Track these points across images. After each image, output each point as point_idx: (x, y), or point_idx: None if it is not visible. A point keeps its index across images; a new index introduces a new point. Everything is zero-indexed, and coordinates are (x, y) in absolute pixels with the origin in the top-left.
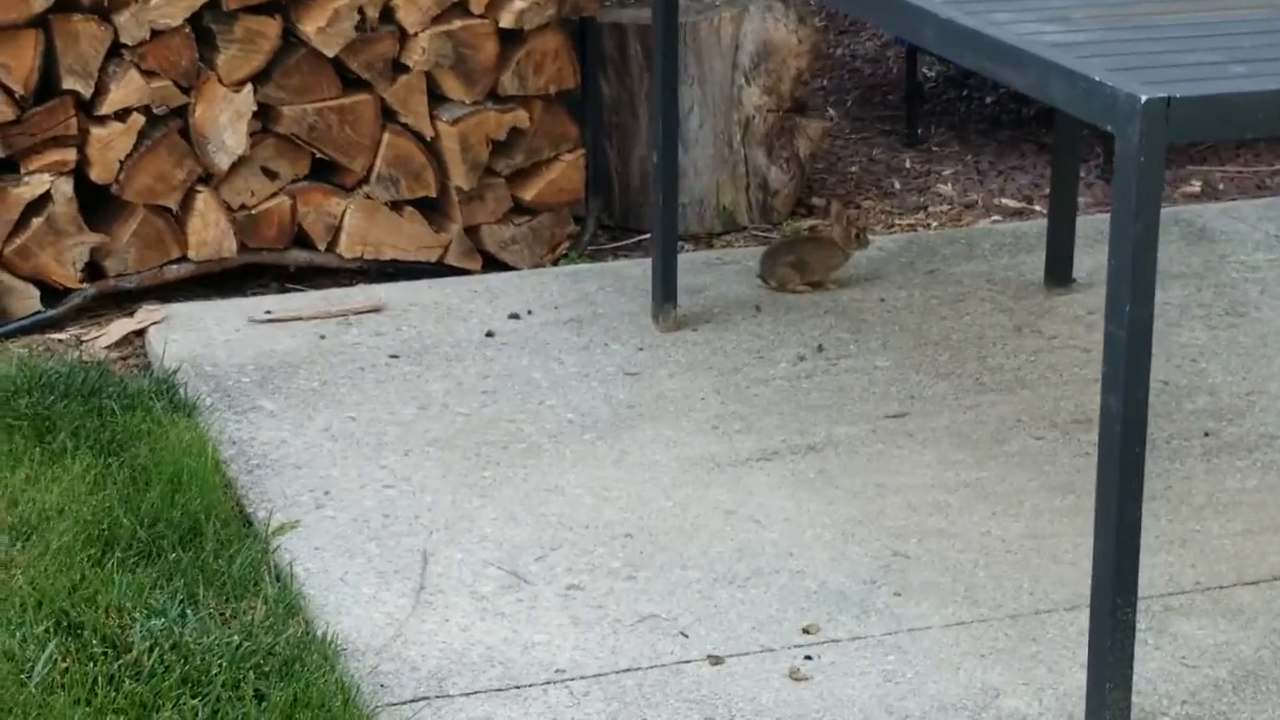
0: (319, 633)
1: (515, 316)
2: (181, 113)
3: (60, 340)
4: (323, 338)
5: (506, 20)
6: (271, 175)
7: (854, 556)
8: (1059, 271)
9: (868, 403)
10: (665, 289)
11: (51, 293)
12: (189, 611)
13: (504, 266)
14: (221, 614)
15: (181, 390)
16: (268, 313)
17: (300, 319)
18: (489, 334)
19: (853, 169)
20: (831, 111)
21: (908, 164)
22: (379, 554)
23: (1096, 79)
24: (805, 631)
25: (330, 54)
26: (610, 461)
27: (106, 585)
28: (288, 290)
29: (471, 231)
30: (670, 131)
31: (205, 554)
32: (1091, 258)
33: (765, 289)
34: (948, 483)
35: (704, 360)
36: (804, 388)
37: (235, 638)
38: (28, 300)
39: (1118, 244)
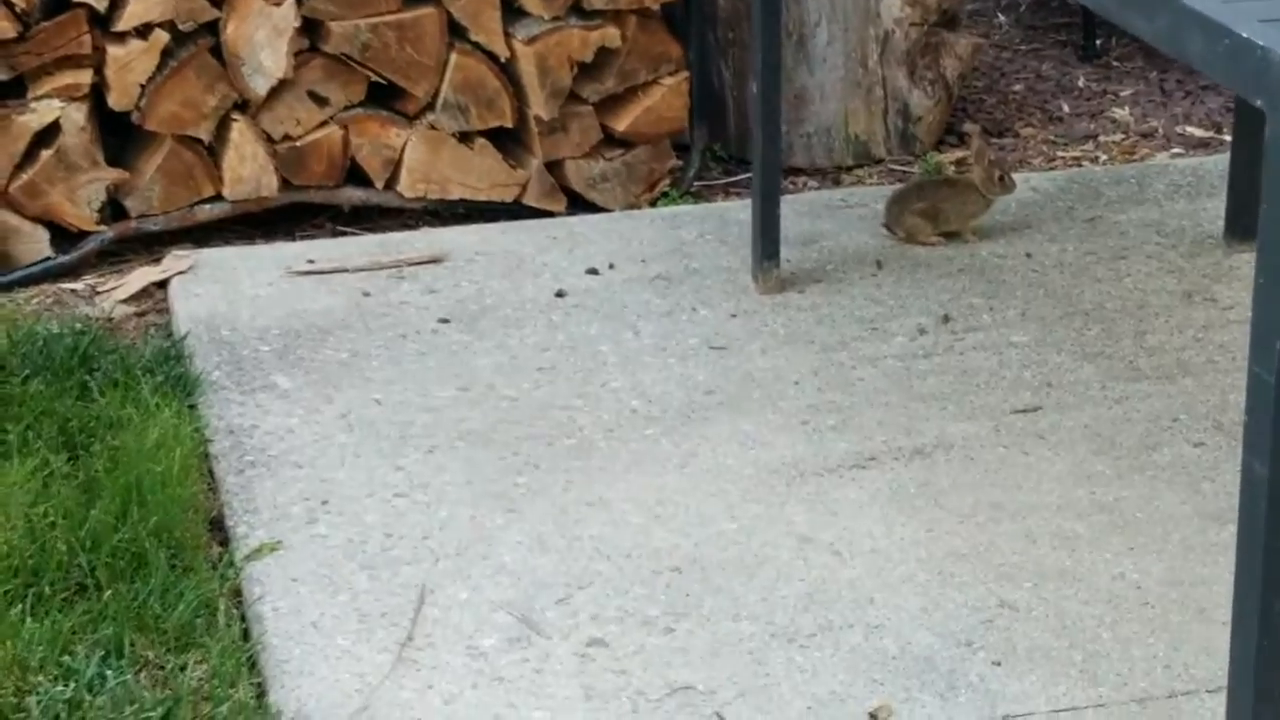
0: (270, 700)
1: (594, 271)
2: (212, 29)
3: (74, 291)
4: (366, 295)
5: None
6: (320, 102)
7: (950, 606)
8: (1242, 221)
9: (994, 392)
10: (766, 245)
11: (65, 235)
12: (109, 671)
13: (593, 207)
14: (160, 669)
15: (187, 361)
16: (310, 262)
17: (345, 270)
18: (559, 293)
19: (1016, 88)
20: (1001, 18)
21: (1081, 82)
22: (368, 590)
23: (1243, 34)
24: (872, 717)
25: None
26: (673, 466)
27: (14, 633)
28: (341, 234)
29: (554, 167)
30: (771, 55)
31: (151, 588)
32: None
33: (892, 239)
34: (1079, 504)
35: (805, 332)
36: (920, 370)
37: (158, 711)
38: (36, 245)
39: (1268, 259)
